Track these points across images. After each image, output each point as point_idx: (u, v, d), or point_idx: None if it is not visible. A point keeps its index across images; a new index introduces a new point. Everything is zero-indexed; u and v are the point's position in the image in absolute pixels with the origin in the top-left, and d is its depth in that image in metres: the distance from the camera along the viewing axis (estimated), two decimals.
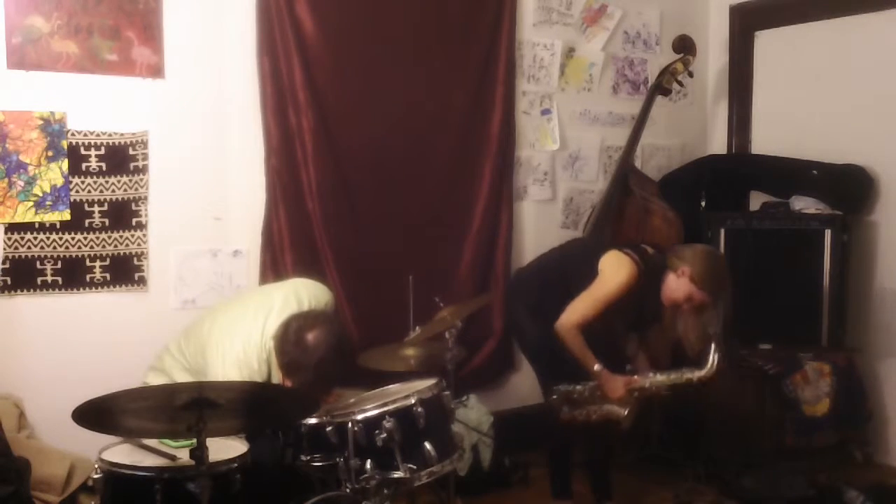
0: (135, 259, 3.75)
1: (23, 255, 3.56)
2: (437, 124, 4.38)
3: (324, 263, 4.10)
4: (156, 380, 3.27)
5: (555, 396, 3.59)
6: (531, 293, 3.73)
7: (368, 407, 2.88)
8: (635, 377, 3.53)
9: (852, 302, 4.63)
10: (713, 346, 3.42)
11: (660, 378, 3.51)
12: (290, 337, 2.99)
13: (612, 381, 3.50)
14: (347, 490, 2.83)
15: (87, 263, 3.67)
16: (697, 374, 3.44)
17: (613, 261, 3.53)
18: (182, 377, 3.22)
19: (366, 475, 2.81)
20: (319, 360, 2.95)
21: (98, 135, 3.65)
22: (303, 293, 3.33)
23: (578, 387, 3.57)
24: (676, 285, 3.50)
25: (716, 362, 3.39)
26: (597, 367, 3.49)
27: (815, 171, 4.73)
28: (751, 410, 4.34)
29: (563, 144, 4.84)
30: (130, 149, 3.71)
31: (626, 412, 3.48)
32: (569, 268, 3.69)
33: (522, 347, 4.02)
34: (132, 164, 3.72)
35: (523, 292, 3.83)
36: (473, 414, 4.21)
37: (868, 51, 4.68)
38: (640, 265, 3.52)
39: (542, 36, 4.74)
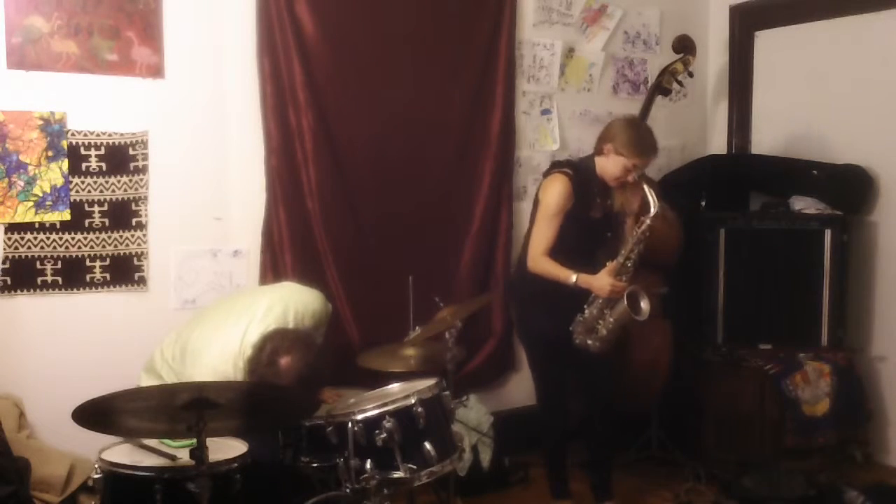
0: (135, 259, 3.75)
1: (23, 255, 3.56)
2: (437, 124, 4.37)
3: (324, 263, 4.10)
4: (148, 380, 3.28)
5: (577, 339, 3.58)
6: (525, 280, 3.74)
7: (368, 407, 2.89)
8: (610, 263, 3.52)
9: (852, 302, 4.64)
10: (645, 187, 3.49)
11: (626, 247, 3.52)
12: (264, 358, 3.03)
13: (596, 280, 3.51)
14: (347, 490, 2.83)
15: (87, 263, 3.66)
16: (648, 217, 3.46)
17: (544, 184, 3.67)
18: (169, 379, 3.23)
19: (366, 475, 2.81)
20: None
21: (98, 135, 3.65)
22: (290, 302, 3.32)
23: (585, 314, 3.58)
24: (608, 164, 3.56)
25: (655, 199, 3.45)
26: (573, 276, 3.52)
27: (815, 171, 4.72)
28: (751, 410, 4.34)
29: (563, 144, 4.84)
30: (130, 149, 3.71)
31: (625, 300, 3.48)
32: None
33: (522, 334, 4.02)
34: (132, 164, 3.72)
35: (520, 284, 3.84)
36: (473, 414, 4.21)
37: (868, 51, 4.67)
38: (569, 173, 3.60)
39: (542, 36, 4.74)
